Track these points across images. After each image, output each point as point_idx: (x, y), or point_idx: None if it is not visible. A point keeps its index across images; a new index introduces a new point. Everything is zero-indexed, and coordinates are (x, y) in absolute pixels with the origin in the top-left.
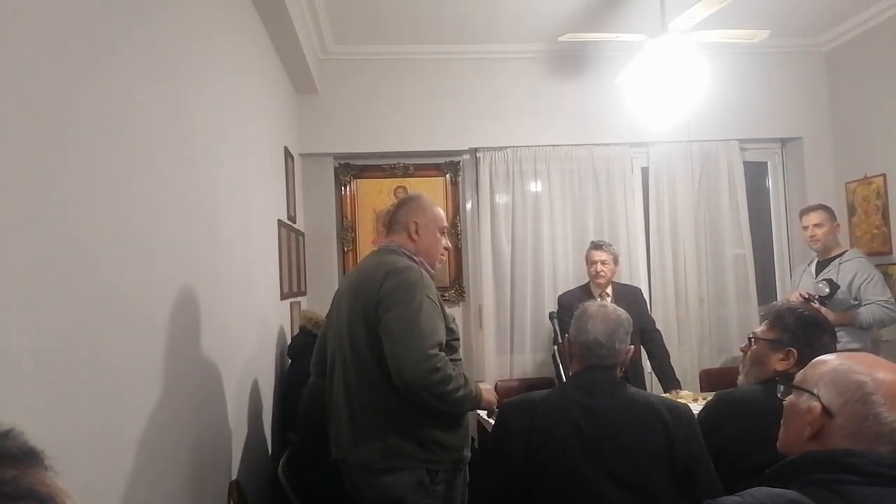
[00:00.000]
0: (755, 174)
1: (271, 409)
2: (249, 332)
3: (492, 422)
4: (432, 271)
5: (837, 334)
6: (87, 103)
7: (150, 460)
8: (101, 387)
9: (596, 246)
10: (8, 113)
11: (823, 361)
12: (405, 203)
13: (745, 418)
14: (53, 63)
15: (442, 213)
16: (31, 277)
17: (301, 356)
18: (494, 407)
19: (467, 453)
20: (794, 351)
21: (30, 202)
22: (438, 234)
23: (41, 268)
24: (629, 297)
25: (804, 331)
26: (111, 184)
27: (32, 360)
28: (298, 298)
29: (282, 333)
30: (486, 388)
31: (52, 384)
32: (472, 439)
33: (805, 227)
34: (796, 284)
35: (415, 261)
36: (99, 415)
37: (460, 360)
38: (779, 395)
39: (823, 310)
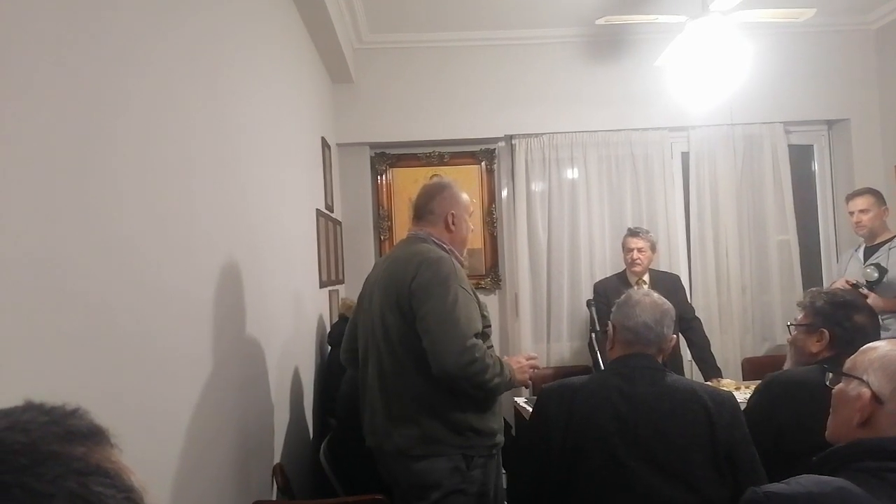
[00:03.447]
0: (800, 157)
1: (312, 394)
2: (289, 319)
3: (529, 409)
4: (462, 259)
5: (886, 321)
6: (130, 98)
7: (198, 441)
8: (150, 369)
9: (632, 233)
10: (56, 110)
11: (873, 348)
12: (438, 193)
13: (801, 400)
14: (97, 57)
15: (468, 197)
16: (82, 266)
17: (340, 343)
18: (528, 379)
19: (501, 438)
20: (826, 332)
21: (76, 195)
22: (468, 220)
23: (90, 256)
24: (667, 284)
25: (834, 311)
26: (154, 175)
27: (83, 342)
28: (337, 287)
29: (321, 321)
30: (518, 367)
31: (102, 366)
32: (510, 426)
33: (851, 213)
34: (843, 270)
35: (445, 250)
36: (148, 396)
37: (492, 346)
38: (827, 382)
39: (872, 296)
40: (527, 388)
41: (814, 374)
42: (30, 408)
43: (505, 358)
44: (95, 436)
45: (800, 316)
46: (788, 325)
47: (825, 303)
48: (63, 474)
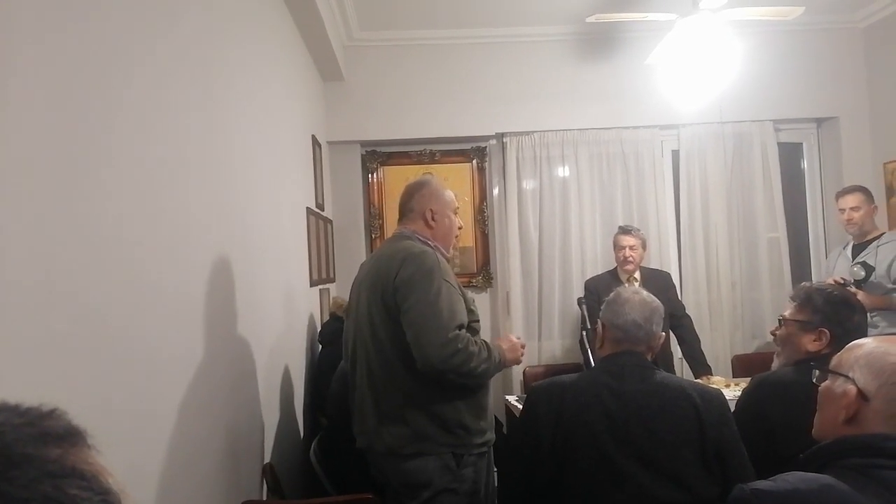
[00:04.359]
0: (790, 155)
1: (302, 394)
2: (280, 318)
3: (520, 407)
4: (448, 255)
5: (874, 319)
6: (120, 98)
7: (187, 440)
8: (139, 368)
9: (624, 231)
10: (49, 111)
11: (859, 345)
12: (417, 190)
13: (790, 401)
14: (88, 58)
15: (452, 194)
16: (71, 264)
17: (331, 342)
18: (520, 357)
19: (492, 436)
20: (826, 331)
21: (66, 193)
22: (452, 216)
23: (80, 255)
24: (658, 281)
25: (834, 310)
26: (145, 174)
27: (71, 341)
28: (327, 285)
29: (312, 320)
30: (509, 346)
31: (90, 365)
32: (501, 424)
33: (841, 210)
34: (831, 268)
35: (430, 245)
36: (137, 395)
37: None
38: (814, 380)
39: (860, 294)
40: (518, 364)
41: (802, 373)
42: (4, 409)
43: (497, 339)
44: (72, 437)
45: (790, 310)
46: (780, 319)
47: (825, 301)
48: (37, 478)
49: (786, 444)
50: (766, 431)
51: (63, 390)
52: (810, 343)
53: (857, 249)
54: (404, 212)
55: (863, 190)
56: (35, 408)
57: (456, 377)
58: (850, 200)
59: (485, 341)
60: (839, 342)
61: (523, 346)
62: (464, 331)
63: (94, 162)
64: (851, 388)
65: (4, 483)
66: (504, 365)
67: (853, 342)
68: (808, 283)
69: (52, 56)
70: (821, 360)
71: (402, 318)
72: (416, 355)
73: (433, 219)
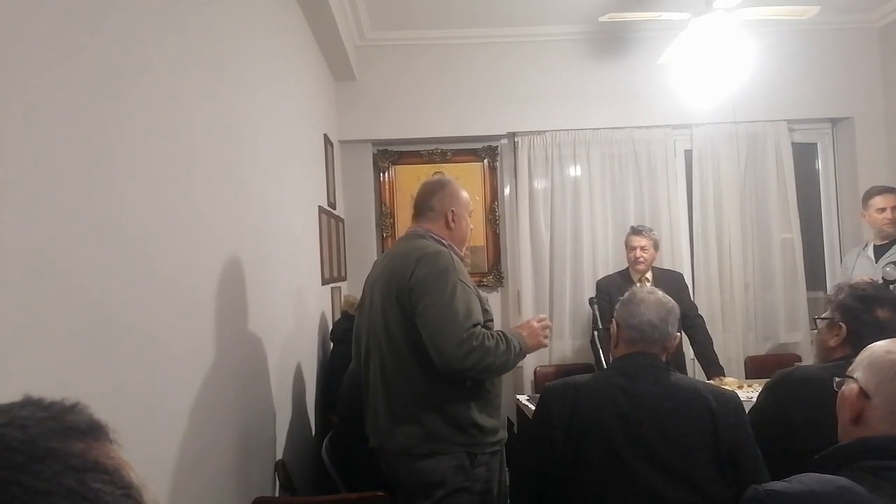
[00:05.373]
0: (804, 156)
1: (314, 391)
2: (292, 316)
3: (531, 406)
4: (462, 255)
5: None
6: (132, 96)
7: (199, 437)
8: (152, 365)
9: (635, 231)
10: (59, 108)
11: (870, 348)
12: (439, 189)
13: (808, 398)
14: (100, 55)
15: (468, 195)
16: (84, 263)
17: (343, 340)
18: (543, 340)
19: (504, 434)
20: (843, 326)
21: (79, 192)
22: (468, 218)
23: (93, 253)
24: (670, 282)
25: (852, 305)
26: (157, 172)
27: (85, 338)
28: (339, 284)
29: (323, 318)
30: (529, 332)
31: (104, 362)
32: (512, 423)
33: (881, 210)
34: (850, 269)
35: (444, 245)
36: (150, 392)
37: None
38: (835, 387)
39: None
40: (543, 347)
41: (824, 372)
42: (28, 403)
43: (515, 327)
44: (94, 431)
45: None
46: (815, 319)
47: (845, 296)
48: (61, 471)
49: (803, 441)
50: (784, 426)
51: (75, 387)
52: (832, 339)
53: (880, 250)
54: (422, 210)
55: None
56: (58, 402)
57: (476, 374)
58: (893, 199)
59: (501, 332)
60: (855, 336)
61: (547, 327)
62: (478, 328)
63: (106, 160)
64: (854, 387)
65: (28, 476)
66: (527, 351)
67: (869, 345)
68: (842, 282)
69: (63, 53)
70: (844, 365)
71: (418, 319)
72: (433, 356)
73: (454, 220)
